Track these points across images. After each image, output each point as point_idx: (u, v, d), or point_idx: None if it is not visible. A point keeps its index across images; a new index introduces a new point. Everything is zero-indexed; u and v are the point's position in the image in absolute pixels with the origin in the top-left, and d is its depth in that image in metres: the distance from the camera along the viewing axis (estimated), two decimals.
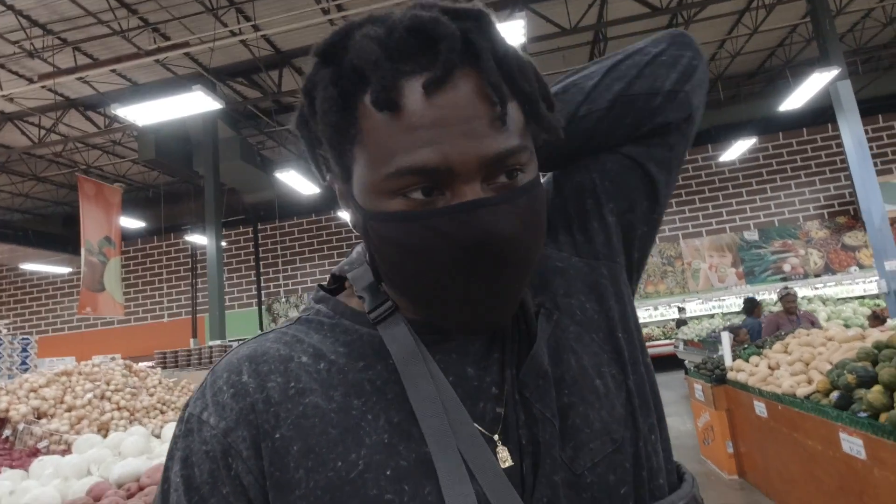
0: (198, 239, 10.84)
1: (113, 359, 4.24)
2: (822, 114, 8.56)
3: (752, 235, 11.09)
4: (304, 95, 0.44)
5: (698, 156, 11.46)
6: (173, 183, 11.94)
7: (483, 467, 0.40)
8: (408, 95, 0.39)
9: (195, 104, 5.11)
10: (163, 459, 1.69)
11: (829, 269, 10.59)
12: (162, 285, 13.34)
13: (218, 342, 6.70)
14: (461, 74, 0.39)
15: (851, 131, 6.48)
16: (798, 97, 6.98)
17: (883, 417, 2.01)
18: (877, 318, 6.45)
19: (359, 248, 0.54)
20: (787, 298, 4.93)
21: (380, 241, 0.43)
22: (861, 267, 10.34)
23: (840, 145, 6.83)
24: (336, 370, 0.45)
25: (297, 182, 8.39)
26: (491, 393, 0.44)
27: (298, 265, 12.71)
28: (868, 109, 8.88)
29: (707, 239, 11.25)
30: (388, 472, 0.40)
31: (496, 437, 0.42)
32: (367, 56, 0.39)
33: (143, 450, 1.81)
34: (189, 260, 13.15)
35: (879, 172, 8.50)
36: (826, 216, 10.80)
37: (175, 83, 8.02)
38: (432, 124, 0.38)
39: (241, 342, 0.51)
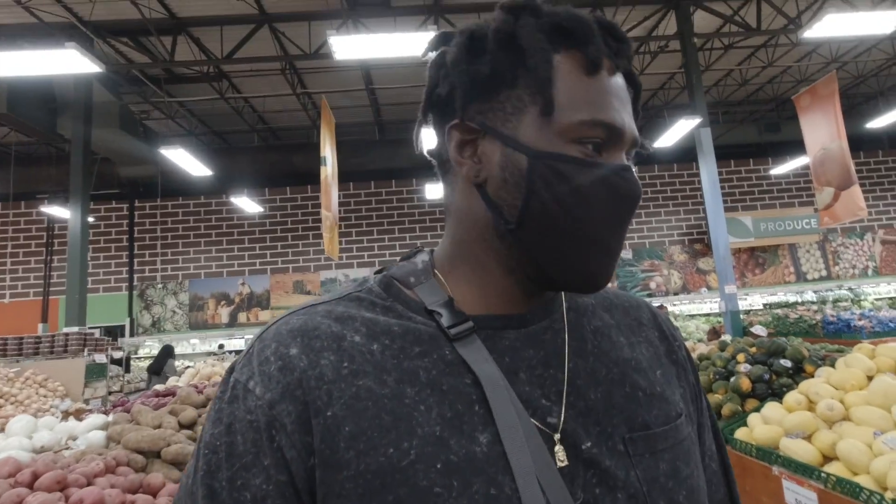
0: (57, 211, 9.50)
1: None
2: (688, 153, 9.80)
3: (626, 254, 12.31)
4: (494, 37, 0.47)
5: None
6: (29, 143, 10.36)
7: (543, 468, 0.42)
8: (605, 67, 0.47)
9: (66, 63, 4.47)
10: (6, 454, 1.48)
11: (685, 289, 12.11)
12: (5, 260, 11.48)
13: (76, 329, 5.94)
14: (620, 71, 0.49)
15: (708, 172, 7.49)
16: (669, 137, 7.95)
17: None
18: (715, 333, 7.50)
19: (423, 257, 0.55)
20: None
21: (550, 179, 0.45)
22: (709, 289, 11.96)
23: (700, 182, 7.85)
24: (390, 354, 0.45)
25: (186, 161, 7.71)
26: (542, 403, 0.46)
27: (181, 249, 11.65)
28: (723, 154, 10.33)
29: None
30: (438, 466, 0.41)
31: (556, 436, 0.45)
32: (585, 24, 0.47)
33: None
34: (44, 234, 11.47)
35: (727, 209, 9.93)
36: (686, 242, 12.33)
37: (42, 31, 6.98)
38: (615, 96, 0.47)
39: (287, 312, 0.49)
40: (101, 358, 4.64)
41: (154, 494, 1.28)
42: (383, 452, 0.41)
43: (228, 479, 0.42)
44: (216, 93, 9.02)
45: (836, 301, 8.46)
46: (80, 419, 1.89)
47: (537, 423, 0.44)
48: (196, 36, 7.67)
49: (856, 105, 11.74)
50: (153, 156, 9.51)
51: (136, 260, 11.52)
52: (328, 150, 5.78)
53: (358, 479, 0.40)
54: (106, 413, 1.96)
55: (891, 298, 8.85)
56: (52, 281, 11.29)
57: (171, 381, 3.10)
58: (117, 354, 6.29)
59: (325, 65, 8.58)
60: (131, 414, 1.72)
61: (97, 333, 5.60)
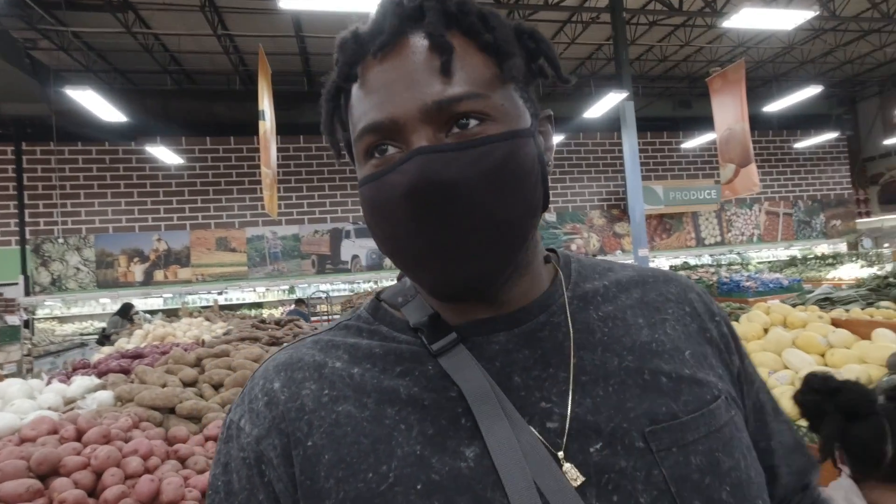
0: None
1: None
2: (611, 123, 10.44)
3: (551, 217, 13.00)
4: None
5: None
6: None
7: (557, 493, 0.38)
8: (366, 67, 0.43)
9: None
10: (37, 413, 1.44)
11: (602, 251, 13.10)
12: None
13: None
14: (412, 38, 0.42)
15: (629, 143, 8.05)
16: (597, 108, 8.38)
17: None
18: None
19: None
20: None
21: (363, 207, 0.45)
22: (623, 251, 13.03)
23: (621, 151, 8.44)
24: (370, 376, 0.45)
25: (95, 103, 6.78)
26: (540, 407, 0.42)
27: (83, 201, 10.52)
28: (641, 126, 11.06)
29: None
30: (418, 486, 0.39)
31: (560, 453, 0.40)
32: (343, 47, 0.44)
33: None
34: None
35: (643, 178, 10.76)
36: (605, 208, 13.24)
37: None
38: (382, 85, 0.41)
39: (280, 347, 0.51)
40: (13, 320, 4.26)
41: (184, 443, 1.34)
42: (362, 478, 0.40)
43: None
44: (121, 25, 8.05)
45: (728, 264, 9.65)
46: None
47: (535, 431, 0.41)
48: None
49: (753, 88, 12.97)
50: (44, 93, 8.38)
51: (26, 211, 10.28)
52: (266, 104, 5.48)
53: None
54: (99, 375, 1.89)
55: (770, 262, 10.28)
56: None
57: (121, 342, 2.96)
58: (23, 316, 5.78)
59: (249, 5, 7.95)
60: (135, 374, 1.70)
61: None
